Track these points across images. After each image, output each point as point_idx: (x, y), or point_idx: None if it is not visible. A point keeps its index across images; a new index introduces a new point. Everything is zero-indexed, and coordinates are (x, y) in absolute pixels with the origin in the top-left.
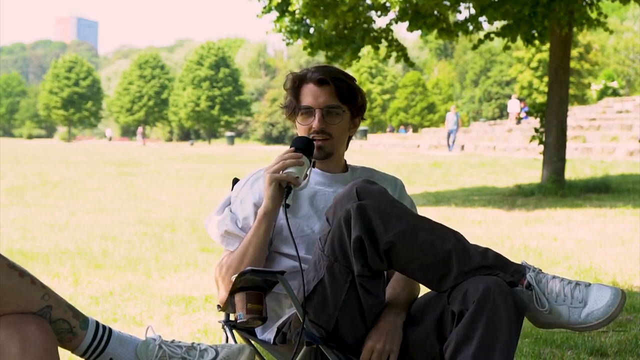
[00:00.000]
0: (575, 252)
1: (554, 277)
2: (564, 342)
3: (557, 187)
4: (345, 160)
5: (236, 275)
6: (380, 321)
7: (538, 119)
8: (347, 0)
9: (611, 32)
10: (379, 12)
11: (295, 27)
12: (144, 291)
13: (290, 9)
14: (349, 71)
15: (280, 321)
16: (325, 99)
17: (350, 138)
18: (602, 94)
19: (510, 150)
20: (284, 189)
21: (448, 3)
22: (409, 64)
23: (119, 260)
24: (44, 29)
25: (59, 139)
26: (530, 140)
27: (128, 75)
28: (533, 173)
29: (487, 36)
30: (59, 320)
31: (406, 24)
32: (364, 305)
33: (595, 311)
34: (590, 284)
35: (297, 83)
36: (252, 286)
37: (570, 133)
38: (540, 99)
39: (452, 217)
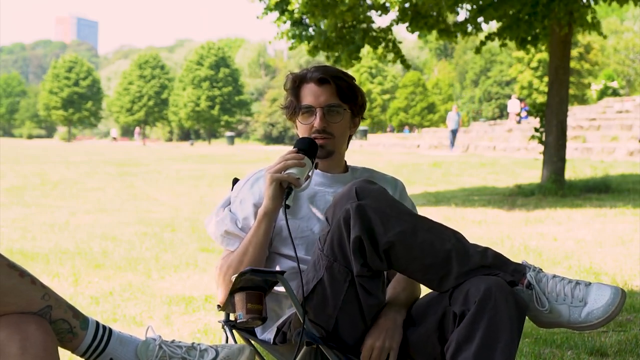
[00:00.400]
0: (575, 252)
1: (554, 276)
2: (564, 342)
3: (557, 187)
4: (346, 161)
5: (236, 275)
6: (380, 319)
7: (538, 119)
8: (347, 0)
9: (605, 36)
10: (379, 12)
11: (297, 31)
12: (144, 291)
13: (289, 8)
14: (349, 71)
15: (280, 321)
16: (326, 98)
17: (350, 137)
18: (602, 94)
19: (510, 150)
20: (284, 189)
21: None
22: (405, 65)
23: (119, 260)
24: (44, 29)
25: (59, 139)
26: (529, 140)
27: (128, 75)
28: (533, 173)
29: (489, 37)
30: (59, 320)
31: (406, 24)
32: (364, 305)
33: (596, 310)
34: (590, 283)
35: (297, 83)
36: (252, 286)
37: (570, 133)
38: (540, 99)
39: (452, 217)
